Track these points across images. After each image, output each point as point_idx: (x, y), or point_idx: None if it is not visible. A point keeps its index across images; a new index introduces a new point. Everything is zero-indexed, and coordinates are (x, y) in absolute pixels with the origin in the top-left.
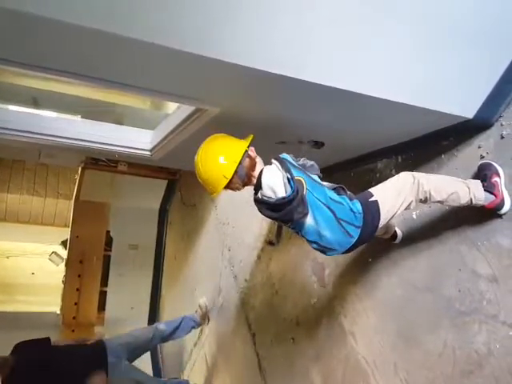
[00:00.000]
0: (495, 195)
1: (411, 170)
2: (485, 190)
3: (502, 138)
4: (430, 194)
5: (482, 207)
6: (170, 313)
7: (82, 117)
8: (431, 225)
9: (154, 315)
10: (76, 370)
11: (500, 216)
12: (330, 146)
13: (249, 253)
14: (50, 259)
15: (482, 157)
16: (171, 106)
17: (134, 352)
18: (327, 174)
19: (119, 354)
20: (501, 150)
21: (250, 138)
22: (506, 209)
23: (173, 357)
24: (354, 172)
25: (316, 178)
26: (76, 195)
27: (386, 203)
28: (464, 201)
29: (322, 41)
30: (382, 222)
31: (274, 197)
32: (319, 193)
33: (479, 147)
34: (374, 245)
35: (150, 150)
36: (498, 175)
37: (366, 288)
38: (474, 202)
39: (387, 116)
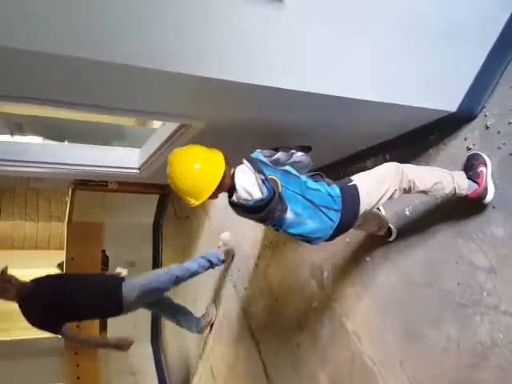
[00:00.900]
0: (478, 183)
1: None
2: (469, 179)
3: (487, 128)
4: (413, 183)
5: (466, 198)
6: (173, 328)
7: (68, 140)
8: (425, 220)
9: (156, 331)
10: (89, 300)
11: (484, 206)
12: (317, 150)
13: (246, 261)
14: None
15: (469, 148)
16: (157, 122)
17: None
18: None
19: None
20: (487, 141)
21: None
22: (489, 198)
23: (178, 370)
24: (344, 173)
25: (290, 169)
26: (68, 217)
27: (365, 187)
28: (448, 190)
29: (300, 48)
30: (364, 206)
31: (250, 198)
32: (295, 185)
33: (465, 139)
34: (371, 244)
35: (139, 168)
36: (485, 165)
37: (365, 287)
38: (457, 191)
39: (371, 116)
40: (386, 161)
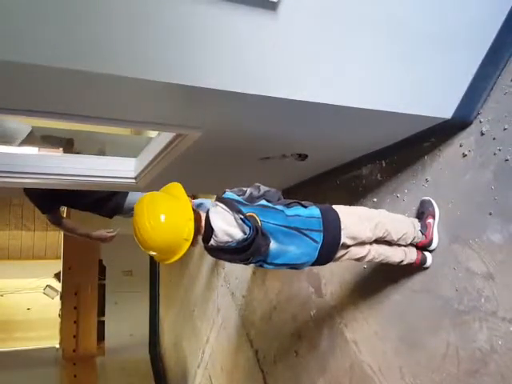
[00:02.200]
0: (425, 236)
1: (396, 173)
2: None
3: (482, 134)
4: (389, 233)
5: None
6: (171, 336)
7: (63, 150)
8: None
9: (154, 339)
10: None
11: (430, 252)
12: (313, 157)
13: (243, 269)
14: (44, 293)
15: (465, 155)
16: (153, 131)
17: None
18: (313, 184)
19: None
20: (482, 147)
21: (180, 189)
22: (433, 247)
23: (177, 379)
24: (340, 180)
25: (265, 202)
26: None
27: (347, 216)
28: (410, 241)
29: (293, 58)
30: (347, 232)
31: (231, 240)
32: (273, 218)
33: (461, 145)
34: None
35: (135, 178)
36: (434, 217)
37: (363, 295)
38: (415, 240)
39: (366, 124)
40: (382, 167)
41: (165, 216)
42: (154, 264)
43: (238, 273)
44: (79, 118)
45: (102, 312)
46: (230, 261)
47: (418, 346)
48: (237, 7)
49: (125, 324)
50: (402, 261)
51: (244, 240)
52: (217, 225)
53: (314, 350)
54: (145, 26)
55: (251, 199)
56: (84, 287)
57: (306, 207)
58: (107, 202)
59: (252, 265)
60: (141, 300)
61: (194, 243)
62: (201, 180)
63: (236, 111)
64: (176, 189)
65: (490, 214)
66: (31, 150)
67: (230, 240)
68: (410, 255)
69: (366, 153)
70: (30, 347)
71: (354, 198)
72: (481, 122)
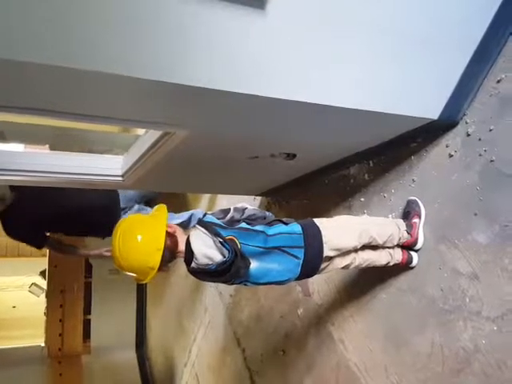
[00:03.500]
0: (411, 235)
1: (383, 173)
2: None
3: (468, 135)
4: (374, 239)
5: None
6: (158, 335)
7: (50, 147)
8: None
9: (141, 339)
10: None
11: (416, 251)
12: (302, 157)
13: None
14: (30, 291)
15: (451, 155)
16: (140, 129)
17: None
18: (302, 184)
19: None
20: (468, 147)
21: (164, 211)
22: (418, 246)
23: (164, 378)
24: (328, 179)
25: (244, 225)
26: None
27: (328, 229)
28: (396, 242)
29: (281, 56)
30: (330, 245)
31: (211, 262)
32: (253, 240)
33: (447, 146)
34: None
35: (122, 176)
36: (419, 217)
37: (350, 294)
38: (401, 240)
39: (353, 124)
40: (370, 167)
41: (132, 247)
42: None
43: None
44: (63, 115)
45: (88, 310)
46: (214, 281)
47: (403, 345)
48: (226, 6)
49: (111, 323)
50: (388, 262)
51: (223, 263)
52: (196, 248)
53: (301, 349)
54: (134, 24)
55: (231, 223)
56: (70, 285)
57: (286, 224)
58: (102, 223)
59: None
60: (128, 299)
61: (161, 269)
62: (189, 179)
63: (224, 110)
64: (159, 214)
65: (476, 214)
66: (17, 147)
67: (210, 263)
68: (396, 256)
69: (354, 153)
70: (16, 346)
71: (341, 197)
72: (467, 122)
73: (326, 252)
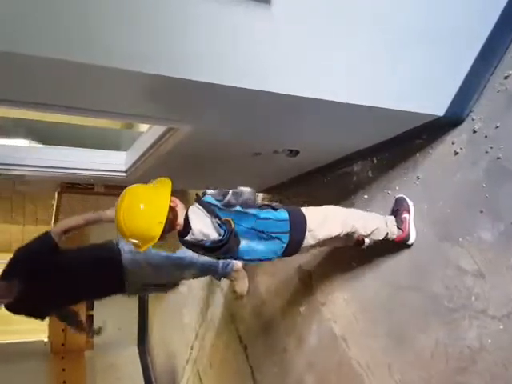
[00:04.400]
0: (402, 230)
1: (387, 170)
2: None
3: (475, 132)
4: (356, 229)
5: (392, 240)
6: (160, 331)
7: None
8: None
9: (143, 334)
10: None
11: (409, 246)
12: (305, 154)
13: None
14: None
15: (457, 153)
16: (144, 125)
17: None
18: (305, 181)
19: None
20: (474, 145)
21: (169, 186)
22: (411, 241)
23: (165, 375)
24: (332, 176)
25: (239, 208)
26: (55, 221)
27: (313, 218)
28: (382, 236)
29: (288, 52)
30: (313, 233)
31: (206, 239)
32: (246, 221)
33: (453, 143)
34: (357, 248)
35: (126, 172)
36: (409, 212)
37: (353, 292)
38: (389, 235)
39: (358, 120)
40: (374, 164)
41: (136, 217)
42: None
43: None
44: (68, 110)
45: (90, 306)
46: (203, 254)
47: (406, 343)
48: (230, 0)
49: (113, 318)
50: (376, 228)
51: (219, 241)
52: (194, 224)
53: (303, 347)
54: (137, 18)
55: (228, 206)
56: None
57: (276, 210)
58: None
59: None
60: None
61: (161, 239)
62: (191, 175)
63: (228, 105)
64: (164, 186)
65: (481, 211)
66: (21, 142)
67: (205, 239)
68: (391, 226)
69: (358, 149)
70: (18, 340)
71: (344, 194)
72: (473, 119)
73: (308, 240)
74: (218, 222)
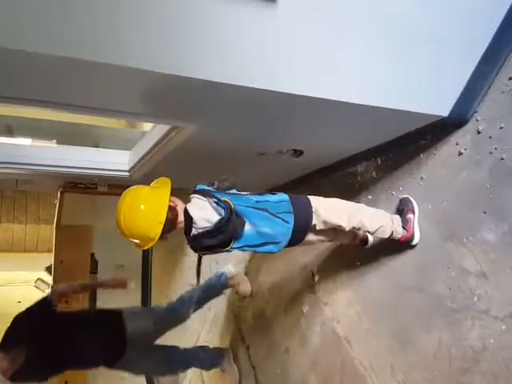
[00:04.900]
0: (407, 230)
1: (391, 171)
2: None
3: (479, 133)
4: (363, 224)
5: (397, 240)
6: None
7: (57, 141)
8: None
9: None
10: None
11: (412, 246)
12: (309, 154)
13: (236, 264)
14: (35, 286)
15: (461, 153)
16: (147, 124)
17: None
18: (308, 181)
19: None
20: (478, 145)
21: (168, 186)
22: (415, 241)
23: (169, 376)
24: (336, 177)
25: (234, 191)
26: (57, 220)
27: (319, 203)
28: (387, 235)
29: (293, 51)
30: (318, 214)
31: (209, 224)
32: (245, 201)
33: (457, 144)
34: (361, 248)
35: (129, 171)
36: (413, 212)
37: (356, 292)
38: (394, 234)
39: (362, 120)
40: (378, 165)
41: (136, 217)
42: (146, 259)
43: (231, 269)
44: (73, 108)
45: (93, 306)
46: (211, 247)
47: (410, 344)
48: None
49: None
50: (382, 226)
51: (220, 220)
52: (194, 213)
53: (306, 347)
54: (145, 16)
55: (220, 190)
56: (75, 281)
57: (274, 194)
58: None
59: (235, 250)
60: (132, 294)
61: (161, 239)
62: (195, 174)
63: (232, 104)
64: (164, 186)
65: (485, 212)
66: (25, 141)
67: (208, 224)
68: (397, 226)
69: (362, 150)
70: None
71: (348, 195)
72: (477, 120)
73: (315, 220)
74: (215, 200)
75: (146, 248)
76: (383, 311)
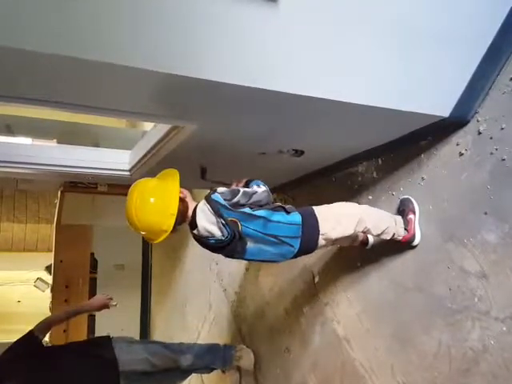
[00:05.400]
0: (408, 231)
1: (392, 171)
2: None
3: (480, 133)
4: (368, 229)
5: (398, 241)
6: (162, 331)
7: (57, 141)
8: None
9: (145, 334)
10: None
11: (413, 247)
12: (310, 154)
13: (237, 265)
14: (35, 286)
15: (462, 154)
16: (148, 124)
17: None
18: (309, 181)
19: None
20: (479, 146)
21: (177, 177)
22: (416, 242)
23: None
24: (336, 177)
25: (247, 210)
26: (57, 219)
27: (326, 221)
28: (389, 236)
29: (295, 51)
30: (325, 236)
31: (211, 236)
32: (256, 225)
33: (457, 144)
34: (362, 249)
35: (129, 170)
36: (414, 213)
37: (357, 293)
38: (395, 236)
39: (364, 121)
40: (378, 165)
41: (149, 210)
42: (146, 259)
43: (232, 269)
44: (74, 107)
45: None
46: (212, 251)
47: (410, 344)
48: None
49: (116, 318)
50: (387, 227)
51: (220, 241)
52: (200, 221)
53: (306, 347)
54: (146, 16)
55: (236, 206)
56: (75, 280)
57: (288, 213)
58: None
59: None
60: (132, 295)
61: (174, 231)
62: (196, 174)
63: (233, 104)
64: (171, 178)
65: (486, 213)
66: (25, 141)
67: (210, 236)
68: (399, 227)
69: (363, 150)
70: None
71: (349, 195)
72: (478, 121)
73: (320, 242)
74: (223, 222)
75: (159, 241)
76: (383, 312)
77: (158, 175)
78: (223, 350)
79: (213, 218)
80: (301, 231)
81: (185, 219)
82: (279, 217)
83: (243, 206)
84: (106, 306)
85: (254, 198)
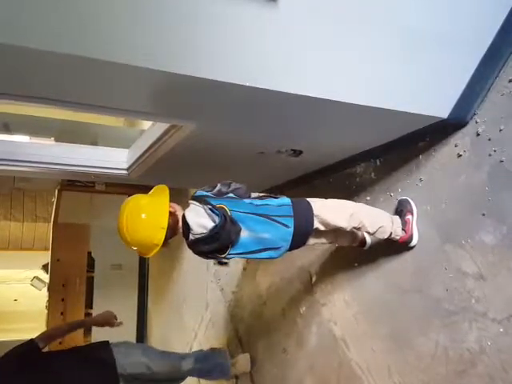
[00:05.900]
0: (405, 231)
1: (390, 172)
2: None
3: (478, 135)
4: (363, 225)
5: (395, 241)
6: (159, 331)
7: (55, 139)
8: None
9: (141, 334)
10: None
11: (410, 248)
12: (308, 154)
13: (234, 265)
14: (31, 284)
15: (460, 155)
16: (146, 123)
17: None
18: (307, 181)
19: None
20: (477, 147)
21: (166, 192)
22: (414, 242)
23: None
24: (334, 178)
25: (232, 195)
26: (54, 218)
27: (321, 206)
28: (386, 235)
29: (294, 51)
30: (320, 218)
31: (204, 231)
32: (243, 207)
33: (456, 146)
34: (359, 249)
35: (127, 169)
36: (412, 214)
37: (354, 293)
38: (392, 235)
39: (362, 121)
40: (377, 166)
41: (139, 225)
42: (143, 259)
43: (229, 269)
44: (74, 105)
45: (89, 305)
46: (209, 251)
47: (407, 346)
48: None
49: None
50: (382, 225)
51: (214, 227)
52: (190, 219)
53: (303, 348)
54: (146, 14)
55: (220, 194)
56: (72, 279)
57: (276, 198)
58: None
59: (235, 257)
60: (129, 294)
61: (165, 245)
62: (193, 174)
63: (232, 103)
64: (162, 193)
65: (483, 214)
66: (23, 138)
67: (204, 231)
68: (396, 227)
69: (361, 151)
70: (17, 339)
71: (347, 196)
72: (477, 122)
73: (316, 224)
74: (210, 207)
75: (151, 255)
76: (381, 312)
77: (149, 192)
78: (218, 358)
79: (201, 211)
80: (292, 210)
81: (176, 232)
82: (267, 201)
83: (226, 194)
84: (109, 324)
85: (233, 186)
